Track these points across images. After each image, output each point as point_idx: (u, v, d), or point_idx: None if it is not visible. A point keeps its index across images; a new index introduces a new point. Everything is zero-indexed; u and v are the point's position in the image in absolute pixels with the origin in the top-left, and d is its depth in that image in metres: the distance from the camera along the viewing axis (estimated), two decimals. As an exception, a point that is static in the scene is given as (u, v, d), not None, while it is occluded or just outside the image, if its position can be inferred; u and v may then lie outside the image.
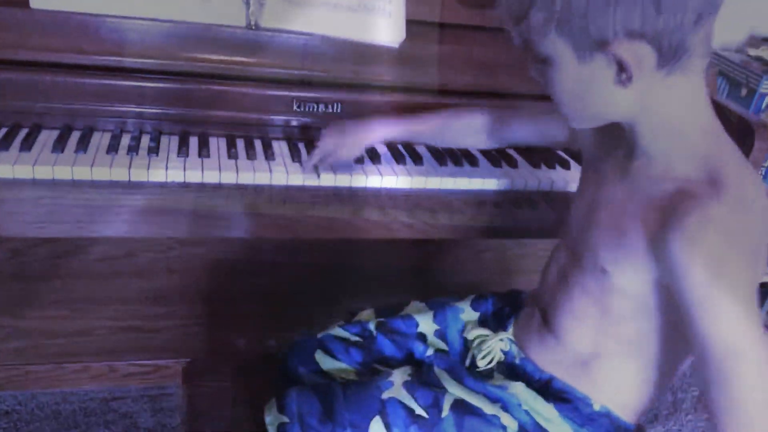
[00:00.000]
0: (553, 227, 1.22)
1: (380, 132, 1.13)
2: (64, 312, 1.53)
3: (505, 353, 0.94)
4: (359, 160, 1.17)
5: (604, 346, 0.83)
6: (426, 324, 1.03)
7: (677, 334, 0.77)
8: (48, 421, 1.55)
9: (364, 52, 1.22)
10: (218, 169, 1.07)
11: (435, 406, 0.86)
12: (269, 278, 1.59)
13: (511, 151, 1.29)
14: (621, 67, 0.67)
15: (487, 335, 0.96)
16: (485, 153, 1.27)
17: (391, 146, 1.25)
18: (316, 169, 1.12)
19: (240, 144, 1.17)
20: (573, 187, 1.21)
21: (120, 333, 1.59)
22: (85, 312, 1.54)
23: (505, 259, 1.78)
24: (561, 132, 1.03)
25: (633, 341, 0.80)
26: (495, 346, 0.93)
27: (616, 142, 0.81)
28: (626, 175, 0.77)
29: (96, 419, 1.57)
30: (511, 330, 0.96)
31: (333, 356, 1.02)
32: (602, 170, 0.83)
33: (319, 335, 1.05)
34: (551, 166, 1.26)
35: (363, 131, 1.12)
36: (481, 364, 0.94)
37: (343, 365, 1.01)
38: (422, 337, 1.02)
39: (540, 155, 1.27)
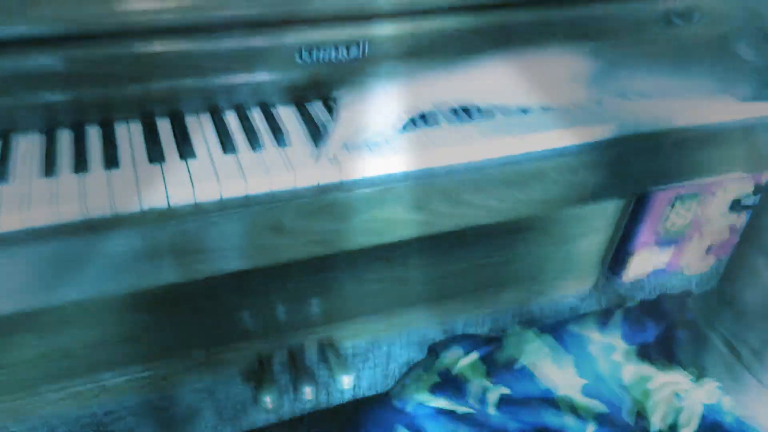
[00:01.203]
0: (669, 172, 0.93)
1: (427, 96, 0.75)
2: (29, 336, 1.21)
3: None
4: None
5: None
6: (567, 383, 0.71)
7: None
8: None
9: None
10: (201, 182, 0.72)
11: None
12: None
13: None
14: None
15: (679, 384, 0.67)
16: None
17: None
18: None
19: (233, 122, 0.82)
20: (678, 121, 0.90)
21: (101, 347, 1.27)
22: (56, 332, 1.22)
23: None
24: (746, 89, 0.69)
25: None
26: (694, 400, 0.65)
27: None
28: None
29: (94, 447, 1.30)
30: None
31: None
32: None
33: (398, 402, 0.74)
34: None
35: (400, 100, 0.74)
36: None
37: None
38: (568, 405, 0.71)
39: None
